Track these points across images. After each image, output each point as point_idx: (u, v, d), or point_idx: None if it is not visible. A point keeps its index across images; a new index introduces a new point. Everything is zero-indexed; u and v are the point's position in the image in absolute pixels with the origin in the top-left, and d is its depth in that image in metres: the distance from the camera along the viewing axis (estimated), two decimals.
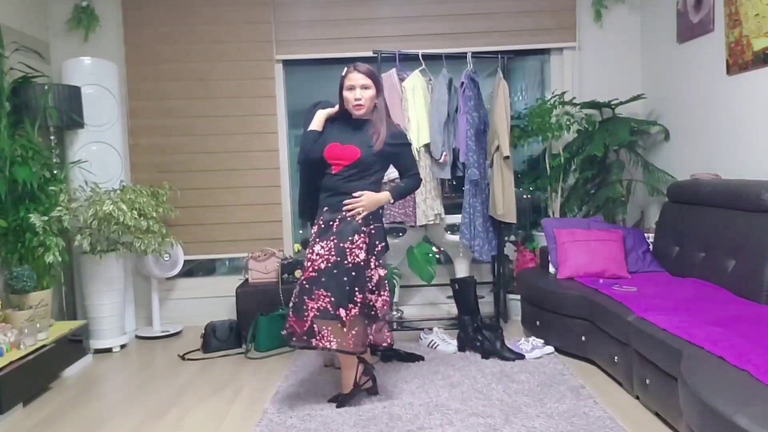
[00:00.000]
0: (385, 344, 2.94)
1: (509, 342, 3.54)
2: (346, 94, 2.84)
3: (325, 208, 2.86)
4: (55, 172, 3.76)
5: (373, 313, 2.84)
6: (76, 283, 4.25)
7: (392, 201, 2.92)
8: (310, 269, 2.74)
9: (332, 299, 2.67)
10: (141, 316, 4.45)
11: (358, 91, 2.80)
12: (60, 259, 3.52)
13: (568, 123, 4.22)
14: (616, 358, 2.95)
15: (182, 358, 3.76)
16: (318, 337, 2.70)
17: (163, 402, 3.06)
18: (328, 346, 2.70)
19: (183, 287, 4.59)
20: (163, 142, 4.51)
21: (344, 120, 2.91)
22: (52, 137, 3.89)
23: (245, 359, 3.69)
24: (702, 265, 3.22)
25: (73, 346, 3.54)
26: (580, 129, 4.30)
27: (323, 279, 2.70)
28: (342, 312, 2.67)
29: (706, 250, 3.23)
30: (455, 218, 4.09)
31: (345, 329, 2.71)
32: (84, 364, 3.66)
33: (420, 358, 3.49)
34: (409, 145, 3.06)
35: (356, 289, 2.72)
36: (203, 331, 3.90)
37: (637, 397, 2.79)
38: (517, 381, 3.09)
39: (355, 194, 2.81)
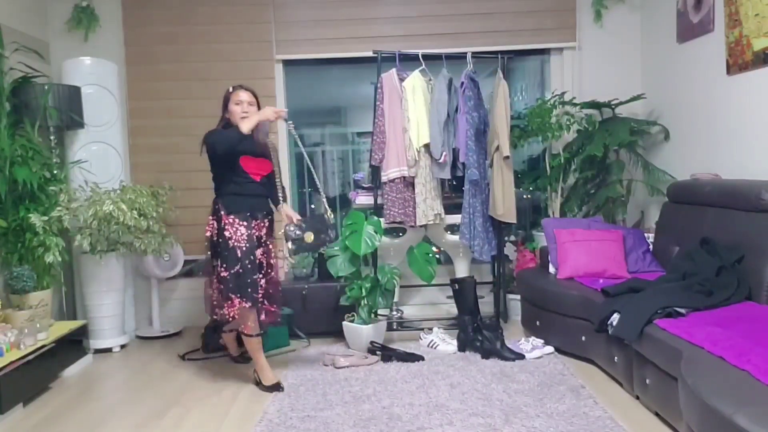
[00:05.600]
0: None
1: (509, 342, 3.54)
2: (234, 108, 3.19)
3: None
4: (55, 172, 3.76)
5: None
6: (76, 283, 4.25)
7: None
8: None
9: None
10: (141, 316, 4.45)
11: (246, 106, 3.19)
12: (60, 259, 3.52)
13: (568, 123, 4.22)
14: (616, 358, 2.94)
15: (182, 358, 3.76)
16: None
17: (163, 402, 3.06)
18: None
19: (183, 287, 4.58)
20: (163, 142, 4.51)
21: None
22: (52, 137, 3.88)
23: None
24: None
25: (73, 346, 3.54)
26: (580, 129, 4.30)
27: None
28: None
29: None
30: (455, 218, 4.09)
31: None
32: (84, 364, 3.66)
33: (420, 358, 3.49)
34: None
35: None
36: (203, 331, 3.90)
37: (637, 397, 2.79)
38: (517, 381, 3.09)
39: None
